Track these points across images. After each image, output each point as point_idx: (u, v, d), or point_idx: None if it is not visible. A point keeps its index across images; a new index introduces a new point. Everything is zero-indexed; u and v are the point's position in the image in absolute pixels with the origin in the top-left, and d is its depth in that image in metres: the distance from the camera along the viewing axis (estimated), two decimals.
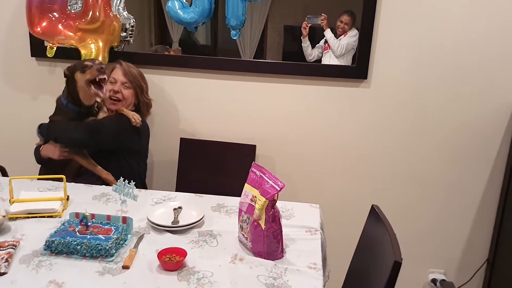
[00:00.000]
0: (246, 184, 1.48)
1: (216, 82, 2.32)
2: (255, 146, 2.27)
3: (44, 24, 2.10)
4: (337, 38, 2.26)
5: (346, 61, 2.26)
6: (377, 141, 2.29)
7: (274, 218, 1.37)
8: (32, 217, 1.53)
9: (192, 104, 2.36)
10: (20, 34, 2.29)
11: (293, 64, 2.27)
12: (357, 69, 2.21)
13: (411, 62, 2.17)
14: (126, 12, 2.23)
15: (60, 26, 2.12)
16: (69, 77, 1.90)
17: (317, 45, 2.31)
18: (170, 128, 2.38)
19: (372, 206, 1.59)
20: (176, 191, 2.24)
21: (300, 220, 1.65)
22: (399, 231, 1.41)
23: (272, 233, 1.36)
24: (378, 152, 2.30)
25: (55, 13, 2.10)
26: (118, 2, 2.20)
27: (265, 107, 2.32)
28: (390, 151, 2.29)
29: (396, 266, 1.18)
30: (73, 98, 1.91)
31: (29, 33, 2.20)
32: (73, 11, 2.15)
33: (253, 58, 2.44)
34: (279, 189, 1.34)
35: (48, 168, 2.00)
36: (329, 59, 2.32)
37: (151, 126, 2.25)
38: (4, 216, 1.42)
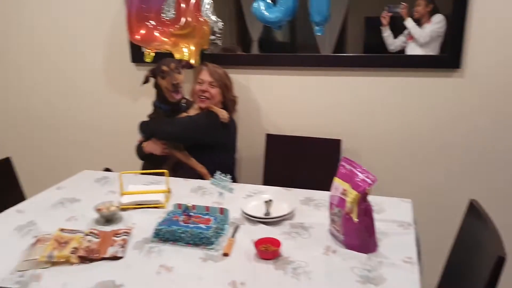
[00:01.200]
0: (335, 177, 1.50)
1: (298, 79, 2.35)
2: (340, 140, 2.28)
3: (142, 31, 2.28)
4: (420, 27, 2.18)
5: (433, 50, 2.18)
6: (471, 134, 2.17)
7: (366, 211, 1.38)
8: (140, 207, 1.69)
9: (276, 100, 2.42)
10: (121, 42, 2.50)
11: (376, 56, 2.24)
12: (449, 57, 2.11)
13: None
14: (214, 16, 2.35)
15: (156, 33, 2.29)
16: (154, 80, 2.11)
17: (400, 35, 2.25)
18: (256, 124, 2.47)
19: (471, 201, 1.53)
20: (263, 184, 2.34)
21: (391, 215, 1.64)
22: (499, 226, 1.35)
23: (365, 226, 1.37)
24: (471, 146, 2.18)
25: (151, 21, 2.28)
26: (207, 7, 2.33)
27: (350, 101, 2.31)
28: (486, 145, 2.16)
29: (500, 262, 1.14)
30: (161, 98, 2.12)
31: (129, 40, 2.40)
32: (167, 18, 2.32)
33: (334, 52, 2.44)
34: (370, 182, 1.35)
35: (150, 163, 2.19)
36: (413, 50, 2.25)
37: (238, 123, 2.35)
38: (117, 207, 1.59)
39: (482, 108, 2.13)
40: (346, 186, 1.42)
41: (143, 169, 2.23)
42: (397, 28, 2.26)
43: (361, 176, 1.39)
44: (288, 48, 2.78)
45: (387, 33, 2.26)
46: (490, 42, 2.04)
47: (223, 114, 2.12)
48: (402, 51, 2.26)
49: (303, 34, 2.58)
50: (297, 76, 2.36)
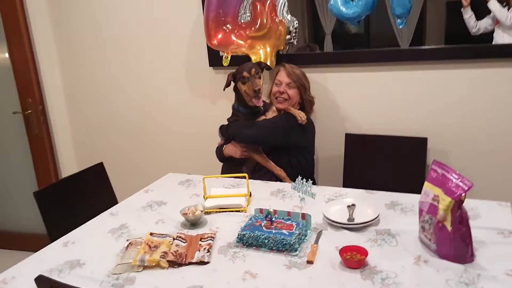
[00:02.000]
0: (426, 182, 1.41)
1: (375, 75, 2.26)
2: (426, 139, 2.15)
3: (219, 36, 2.32)
4: (508, 9, 1.97)
5: None
6: None
7: (461, 219, 1.28)
8: (222, 211, 1.72)
9: (354, 99, 2.35)
10: (199, 46, 2.57)
11: (459, 47, 2.08)
12: None
13: None
14: (289, 15, 2.32)
15: (233, 37, 2.32)
16: (234, 86, 2.13)
17: (486, 17, 2.05)
18: (334, 124, 2.41)
19: None
20: (343, 186, 2.28)
21: (488, 221, 1.51)
22: None
23: (460, 235, 1.28)
24: None
25: (228, 25, 2.31)
26: (283, 6, 2.31)
27: (433, 97, 2.17)
28: None
29: None
30: (241, 101, 2.15)
31: (207, 45, 2.46)
32: (243, 21, 2.33)
33: (411, 41, 2.30)
34: (466, 188, 1.25)
35: (230, 165, 2.23)
36: (502, 35, 2.05)
37: (316, 123, 2.31)
38: (202, 211, 1.63)
39: None
40: (438, 191, 1.33)
41: (223, 171, 2.28)
42: (482, 10, 2.08)
43: (455, 181, 1.29)
44: (362, 40, 2.69)
45: (468, 15, 2.07)
46: None
47: (301, 115, 2.10)
48: (487, 35, 2.06)
49: (378, 25, 2.48)
50: (375, 72, 2.26)
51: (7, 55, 2.90)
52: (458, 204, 1.27)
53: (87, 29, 2.85)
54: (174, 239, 1.48)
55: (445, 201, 1.28)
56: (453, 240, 1.28)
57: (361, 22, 2.38)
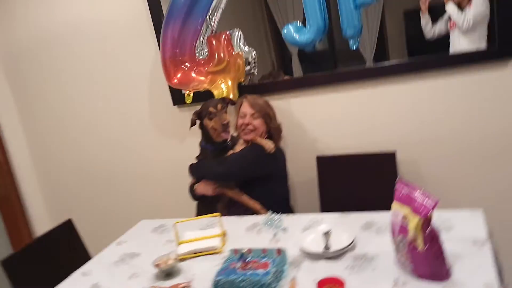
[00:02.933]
0: (394, 202, 1.41)
1: (340, 95, 2.27)
2: (394, 153, 2.16)
3: (179, 75, 2.32)
4: (461, 11, 2.03)
5: (480, 34, 2.01)
6: None
7: (432, 237, 1.27)
8: (198, 255, 1.68)
9: (321, 121, 2.35)
10: (161, 87, 2.56)
11: (420, 60, 2.11)
12: (499, 48, 1.94)
13: None
14: (247, 47, 2.34)
15: (192, 74, 2.32)
16: (200, 122, 2.11)
17: (439, 20, 2.11)
18: (304, 148, 2.41)
19: None
20: (321, 210, 2.26)
21: (462, 231, 1.51)
22: None
23: (433, 253, 1.26)
24: None
25: (186, 63, 2.31)
26: (238, 39, 2.33)
27: (397, 110, 2.19)
28: None
29: None
30: (207, 138, 2.13)
31: (168, 85, 2.45)
32: (201, 57, 2.34)
33: (375, 52, 2.33)
34: (432, 206, 1.25)
35: (204, 204, 2.20)
36: (458, 38, 2.10)
37: (286, 149, 2.30)
38: (175, 259, 1.59)
39: None
40: (406, 210, 1.33)
41: (197, 210, 2.24)
42: (437, 14, 2.13)
43: (420, 199, 1.29)
44: (328, 57, 2.72)
45: (425, 21, 2.12)
46: None
47: (268, 145, 2.09)
48: (442, 37, 2.10)
49: (342, 41, 2.51)
50: (339, 92, 2.28)
51: None
52: (426, 222, 1.26)
53: (48, 80, 2.82)
54: None
55: (413, 220, 1.27)
56: (427, 259, 1.27)
57: (324, 38, 2.42)
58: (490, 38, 1.99)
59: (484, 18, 1.96)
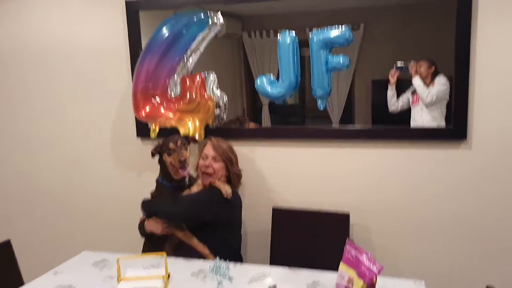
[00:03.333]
0: (341, 263, 1.43)
1: (305, 151, 2.33)
2: (348, 215, 2.20)
3: (148, 108, 2.32)
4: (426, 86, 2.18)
5: (440, 112, 2.15)
6: (485, 209, 2.08)
7: None
8: None
9: (283, 173, 2.39)
10: (127, 117, 2.54)
11: (384, 129, 2.22)
12: (455, 129, 2.08)
13: None
14: (219, 91, 2.38)
15: (162, 109, 2.32)
16: (159, 157, 2.10)
17: (403, 94, 2.24)
18: (262, 198, 2.42)
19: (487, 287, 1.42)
20: (270, 262, 2.24)
21: None
22: None
23: None
24: (486, 220, 2.08)
25: (157, 98, 2.32)
26: (212, 83, 2.37)
27: (358, 173, 2.26)
28: (501, 218, 2.06)
29: None
30: (165, 174, 2.11)
31: (135, 117, 2.43)
32: (173, 94, 2.36)
33: (342, 114, 2.43)
34: (377, 272, 1.27)
35: (151, 242, 2.13)
36: (420, 113, 2.23)
37: (243, 196, 2.30)
38: None
39: (492, 180, 2.06)
40: (352, 273, 1.34)
41: (144, 248, 2.17)
42: (403, 90, 2.26)
43: (366, 263, 1.31)
44: (298, 111, 2.80)
45: (392, 92, 2.25)
46: (496, 111, 2.01)
47: (226, 189, 2.08)
48: (404, 111, 2.23)
49: (312, 98, 2.61)
50: (304, 148, 2.33)
51: None
52: (370, 287, 1.28)
53: (15, 91, 2.75)
54: None
55: (358, 284, 1.29)
56: None
57: (296, 93, 2.50)
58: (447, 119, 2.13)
59: (445, 97, 2.10)
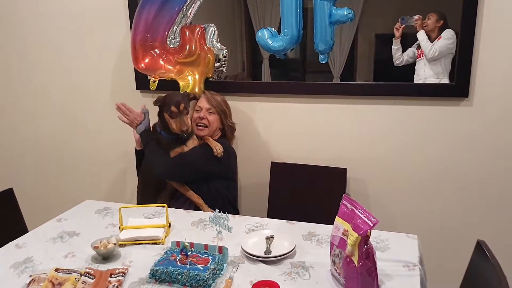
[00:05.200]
0: (337, 217, 1.46)
1: (305, 106, 2.32)
2: (346, 169, 2.23)
3: (147, 60, 2.29)
4: (431, 42, 2.14)
5: (443, 66, 2.12)
6: (481, 165, 2.11)
7: (368, 255, 1.33)
8: (139, 243, 1.66)
9: (282, 128, 2.39)
10: (127, 69, 2.51)
11: (384, 84, 2.20)
12: (457, 86, 2.06)
13: None
14: (219, 44, 2.34)
15: (161, 61, 2.29)
16: (159, 111, 2.10)
17: (409, 49, 2.21)
18: (260, 152, 2.44)
19: (478, 241, 1.47)
20: (267, 215, 2.30)
21: (396, 253, 1.58)
22: (510, 268, 1.29)
23: (366, 270, 1.32)
24: (482, 177, 2.12)
25: (156, 50, 2.28)
26: (212, 35, 2.32)
27: (356, 129, 2.27)
28: (498, 176, 2.10)
29: None
30: (164, 127, 2.12)
31: (134, 68, 2.41)
32: (172, 46, 2.32)
33: (343, 69, 2.40)
34: (372, 225, 1.30)
35: (148, 192, 2.18)
36: (424, 68, 2.20)
37: (241, 151, 2.32)
38: (115, 244, 1.57)
39: (491, 137, 2.07)
40: (347, 226, 1.38)
41: (141, 197, 2.22)
42: (409, 45, 2.23)
43: (362, 217, 1.34)
44: (298, 66, 2.77)
45: (397, 46, 2.21)
46: (499, 69, 1.99)
47: (217, 148, 2.08)
48: (408, 65, 2.21)
49: (313, 52, 2.58)
50: (304, 103, 2.32)
51: None
52: (364, 239, 1.32)
53: (11, 46, 2.70)
54: (81, 275, 1.40)
55: (353, 236, 1.33)
56: (360, 275, 1.32)
57: (296, 48, 2.46)
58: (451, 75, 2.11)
59: (449, 52, 2.07)
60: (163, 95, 2.11)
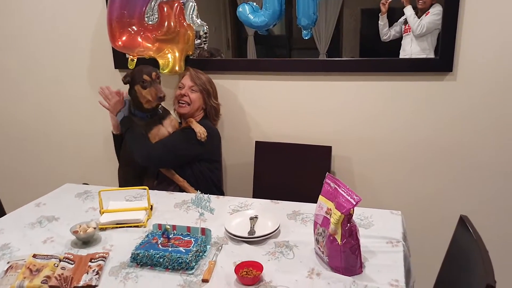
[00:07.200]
0: (320, 196, 1.45)
1: (290, 84, 2.28)
2: (330, 147, 2.22)
3: (124, 38, 2.21)
4: (419, 18, 2.10)
5: (430, 42, 2.09)
6: (465, 140, 2.10)
7: (351, 232, 1.32)
8: (120, 227, 1.63)
9: (266, 106, 2.35)
10: (104, 48, 2.43)
11: (369, 60, 2.16)
12: (441, 61, 2.04)
13: (507, 48, 1.94)
14: (199, 20, 2.27)
15: (139, 39, 2.21)
16: (130, 87, 2.04)
17: (395, 23, 2.17)
18: (244, 131, 2.40)
19: (461, 216, 1.47)
20: (252, 195, 2.28)
21: (380, 230, 1.58)
22: (491, 242, 1.29)
23: (350, 248, 1.32)
24: (466, 152, 2.11)
25: (133, 27, 2.20)
26: (191, 11, 2.25)
27: (341, 106, 2.24)
28: (480, 151, 2.10)
29: None
30: (137, 105, 2.05)
31: (112, 47, 2.33)
32: (150, 22, 2.24)
33: (330, 45, 2.36)
34: (354, 203, 1.29)
35: (132, 174, 2.14)
36: (410, 43, 2.17)
37: (225, 130, 2.28)
38: (95, 228, 1.53)
39: (475, 112, 2.06)
40: (330, 205, 1.37)
41: (123, 179, 2.17)
42: (396, 19, 2.19)
43: (345, 196, 1.33)
44: (284, 43, 2.72)
45: (383, 22, 2.17)
46: (482, 44, 1.96)
47: (201, 132, 2.04)
48: (395, 40, 2.17)
49: (299, 28, 2.53)
50: (289, 81, 2.28)
51: None
52: (347, 218, 1.31)
53: None
54: (60, 260, 1.37)
55: (336, 215, 1.31)
56: (343, 253, 1.31)
57: (282, 23, 2.39)
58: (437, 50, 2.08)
59: (437, 27, 2.03)
60: None
